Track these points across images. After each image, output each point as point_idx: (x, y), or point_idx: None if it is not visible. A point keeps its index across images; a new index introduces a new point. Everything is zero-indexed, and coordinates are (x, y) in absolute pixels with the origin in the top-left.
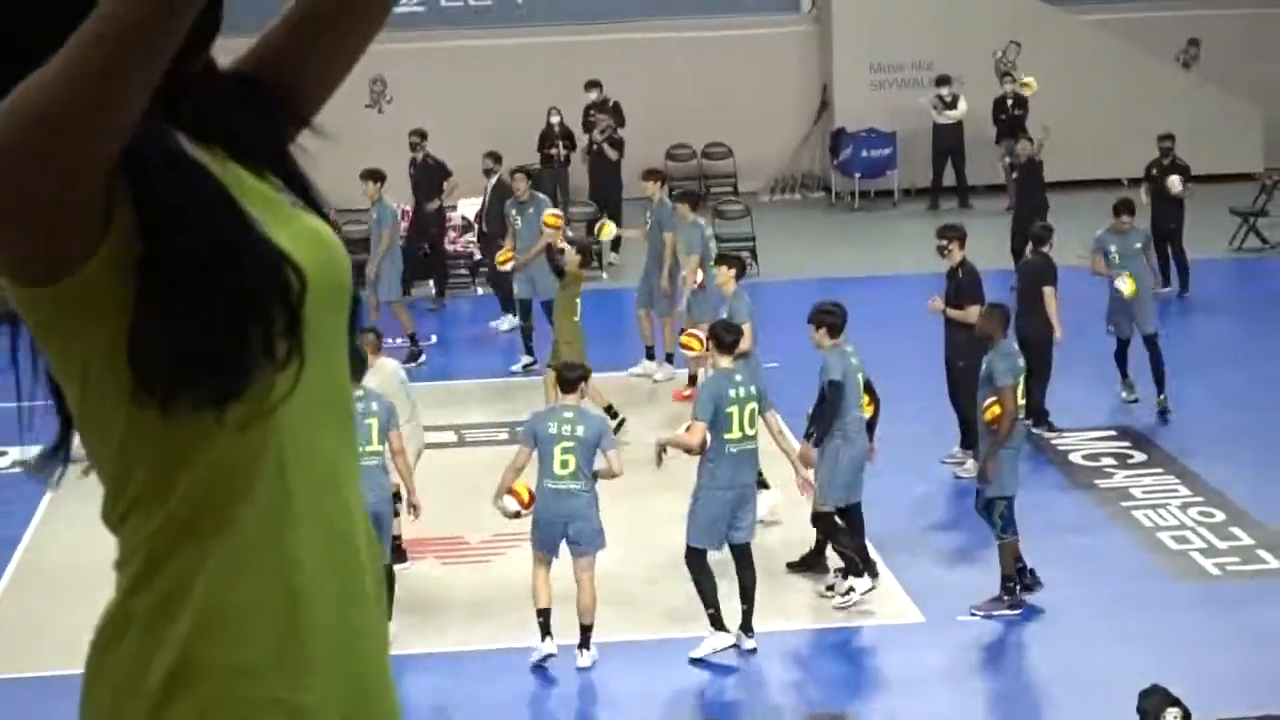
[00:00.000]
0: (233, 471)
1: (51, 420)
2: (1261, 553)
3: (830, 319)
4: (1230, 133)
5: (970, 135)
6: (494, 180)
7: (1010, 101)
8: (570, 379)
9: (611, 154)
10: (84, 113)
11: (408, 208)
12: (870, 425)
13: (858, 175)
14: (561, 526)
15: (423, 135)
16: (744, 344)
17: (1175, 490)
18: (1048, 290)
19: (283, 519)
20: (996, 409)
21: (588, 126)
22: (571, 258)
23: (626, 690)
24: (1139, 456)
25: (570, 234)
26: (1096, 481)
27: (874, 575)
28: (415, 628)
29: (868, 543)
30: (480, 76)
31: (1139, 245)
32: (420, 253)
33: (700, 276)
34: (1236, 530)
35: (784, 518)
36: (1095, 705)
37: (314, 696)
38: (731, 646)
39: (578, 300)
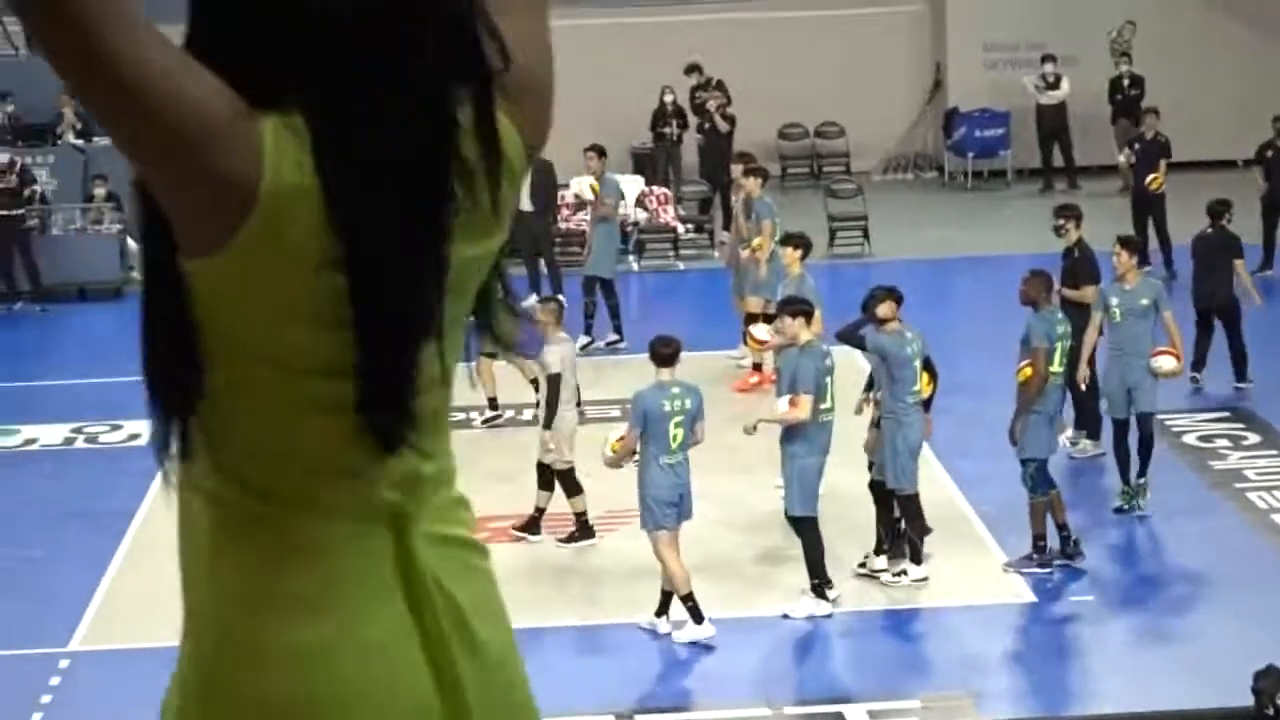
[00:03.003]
0: None
1: None
2: None
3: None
4: None
5: (1085, 115)
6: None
7: (1126, 81)
8: (667, 354)
9: (723, 125)
10: None
11: None
12: (927, 403)
13: (971, 155)
14: (679, 500)
15: None
16: (815, 326)
17: None
18: (1238, 263)
19: None
20: (1028, 370)
21: (696, 109)
22: None
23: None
24: (1253, 438)
25: (684, 212)
26: (1210, 463)
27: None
28: (546, 601)
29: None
30: (587, 58)
31: (1145, 301)
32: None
33: (766, 252)
34: None
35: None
36: (1209, 684)
37: None
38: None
39: None
